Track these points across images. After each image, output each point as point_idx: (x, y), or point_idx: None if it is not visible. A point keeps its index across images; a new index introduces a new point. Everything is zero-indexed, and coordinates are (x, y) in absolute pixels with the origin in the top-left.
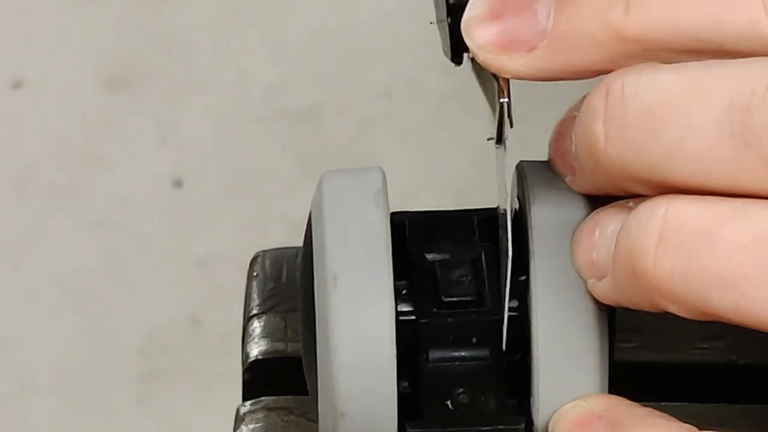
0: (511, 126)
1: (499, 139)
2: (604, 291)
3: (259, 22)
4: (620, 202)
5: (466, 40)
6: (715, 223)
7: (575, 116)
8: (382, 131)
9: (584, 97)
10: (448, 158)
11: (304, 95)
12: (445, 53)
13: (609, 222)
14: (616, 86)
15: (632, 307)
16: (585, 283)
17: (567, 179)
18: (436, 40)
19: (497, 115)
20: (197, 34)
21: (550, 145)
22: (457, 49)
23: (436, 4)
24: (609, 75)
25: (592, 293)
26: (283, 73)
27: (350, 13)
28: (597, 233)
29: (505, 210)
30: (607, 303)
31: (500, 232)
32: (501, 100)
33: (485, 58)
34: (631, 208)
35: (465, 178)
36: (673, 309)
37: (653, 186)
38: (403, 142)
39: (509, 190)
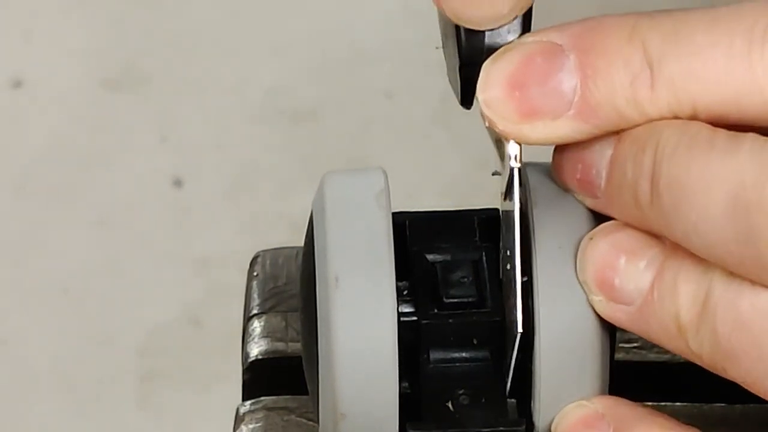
0: (521, 185)
1: (508, 196)
2: (622, 317)
3: (260, 22)
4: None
5: (485, 110)
6: (729, 297)
7: (600, 148)
8: (382, 131)
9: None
10: (448, 158)
11: (304, 95)
12: (452, 86)
13: (638, 252)
14: (661, 146)
15: (647, 339)
16: (587, 296)
17: (576, 196)
18: (436, 41)
19: (507, 176)
20: (197, 35)
21: (557, 159)
22: (468, 96)
23: (442, 30)
24: (657, 125)
25: (600, 310)
26: (284, 73)
27: (350, 13)
28: (622, 261)
29: (513, 266)
30: (618, 326)
31: (500, 260)
32: (512, 165)
33: (505, 127)
34: (652, 237)
35: (465, 178)
36: (704, 366)
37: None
38: (404, 142)
39: (518, 246)
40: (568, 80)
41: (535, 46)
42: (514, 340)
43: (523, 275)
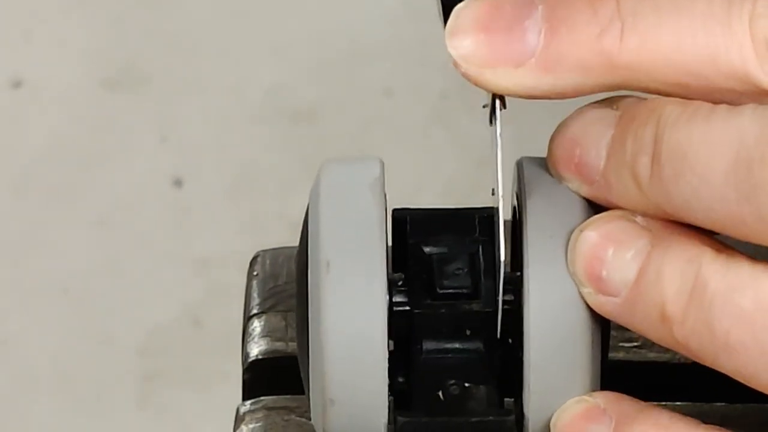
0: (504, 107)
1: (492, 118)
2: (610, 309)
3: (259, 22)
4: (625, 214)
5: (449, 49)
6: (727, 290)
7: (600, 127)
8: (382, 131)
9: (595, 104)
10: (448, 157)
11: (304, 95)
12: (441, 21)
13: (625, 243)
14: (663, 120)
15: (634, 331)
16: (579, 288)
17: (571, 185)
18: (436, 41)
19: (490, 100)
20: (197, 34)
21: (554, 146)
22: None
23: None
24: (659, 103)
25: (589, 302)
26: (284, 73)
27: (350, 12)
28: (610, 252)
29: (498, 208)
30: (607, 317)
31: (495, 220)
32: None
33: (467, 69)
34: (642, 227)
35: (465, 177)
36: (689, 357)
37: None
38: (403, 141)
39: (500, 170)
40: (532, 28)
41: None
42: (499, 275)
43: (517, 269)
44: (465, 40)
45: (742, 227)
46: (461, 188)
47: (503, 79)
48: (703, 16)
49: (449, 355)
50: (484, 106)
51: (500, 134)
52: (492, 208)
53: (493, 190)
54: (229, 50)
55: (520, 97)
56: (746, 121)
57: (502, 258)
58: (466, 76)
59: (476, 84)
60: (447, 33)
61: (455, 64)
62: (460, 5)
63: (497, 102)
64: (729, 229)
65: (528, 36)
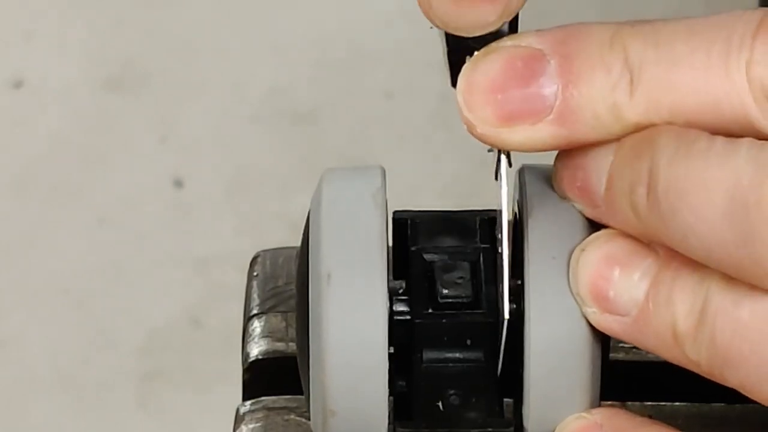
0: (510, 166)
1: (497, 175)
2: (617, 327)
3: (260, 23)
4: (624, 233)
5: (464, 111)
6: (729, 304)
7: (601, 155)
8: (382, 132)
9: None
10: (448, 158)
11: (304, 96)
12: (444, 63)
13: (631, 263)
14: (659, 152)
15: (642, 348)
16: (581, 308)
17: (576, 205)
18: (436, 43)
19: (496, 153)
20: (197, 35)
21: (559, 167)
22: (457, 79)
23: None
24: (654, 133)
25: (593, 321)
26: (284, 74)
27: (350, 13)
28: (616, 273)
29: (503, 245)
30: (613, 336)
31: (498, 261)
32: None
33: (484, 130)
34: (645, 246)
35: (465, 178)
36: (701, 374)
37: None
38: (403, 142)
39: (506, 223)
40: (549, 85)
41: (515, 51)
42: (502, 328)
43: (518, 278)
44: (480, 102)
45: (739, 269)
46: (461, 189)
47: (521, 137)
48: (703, 67)
49: (449, 365)
50: (489, 151)
51: (506, 192)
52: (494, 210)
53: (499, 243)
54: (229, 50)
55: (533, 152)
56: (742, 161)
57: (506, 315)
58: (481, 138)
59: (492, 144)
60: (459, 94)
61: (469, 126)
62: (468, 65)
63: (503, 159)
64: (727, 269)
65: (545, 92)
